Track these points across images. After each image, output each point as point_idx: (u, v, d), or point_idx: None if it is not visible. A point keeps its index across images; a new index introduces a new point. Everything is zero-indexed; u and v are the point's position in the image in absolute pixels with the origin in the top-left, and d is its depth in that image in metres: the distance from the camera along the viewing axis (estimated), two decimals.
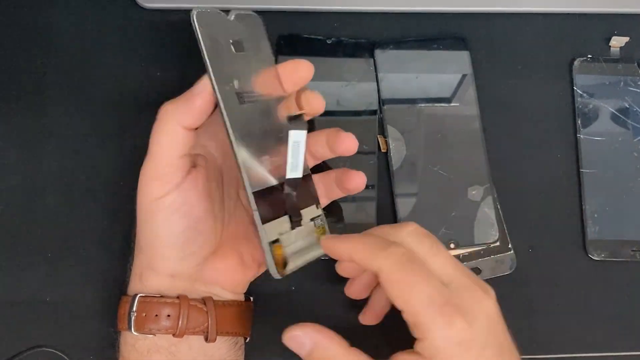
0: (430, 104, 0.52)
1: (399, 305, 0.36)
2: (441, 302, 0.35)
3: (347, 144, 0.42)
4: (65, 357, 0.47)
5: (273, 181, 0.40)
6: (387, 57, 0.52)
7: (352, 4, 0.53)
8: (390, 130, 0.51)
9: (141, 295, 0.41)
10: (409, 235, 0.38)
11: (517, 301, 0.49)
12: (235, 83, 0.39)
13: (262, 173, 0.40)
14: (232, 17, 0.40)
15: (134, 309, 0.40)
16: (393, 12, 0.54)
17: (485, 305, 0.36)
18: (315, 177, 0.44)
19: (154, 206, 0.39)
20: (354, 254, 0.38)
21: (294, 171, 0.41)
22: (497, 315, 0.37)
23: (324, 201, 0.45)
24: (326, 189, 0.44)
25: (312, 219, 0.43)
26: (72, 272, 0.48)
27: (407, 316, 0.36)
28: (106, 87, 0.51)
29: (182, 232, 0.40)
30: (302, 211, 0.42)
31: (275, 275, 0.40)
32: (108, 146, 0.50)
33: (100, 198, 0.50)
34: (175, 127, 0.39)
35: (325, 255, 0.41)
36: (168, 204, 0.39)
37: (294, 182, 0.41)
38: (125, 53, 0.52)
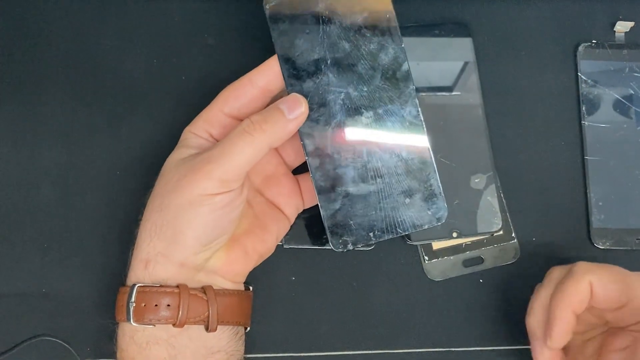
0: (432, 92, 0.51)
1: None
2: None
3: None
4: (67, 346, 0.46)
5: None
6: None
7: None
8: None
9: (140, 285, 0.40)
10: None
11: (520, 291, 0.48)
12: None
13: None
14: None
15: (133, 299, 0.40)
16: None
17: None
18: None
19: (201, 199, 0.39)
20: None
21: None
22: None
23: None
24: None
25: None
26: (68, 263, 0.48)
27: None
28: (102, 76, 0.51)
29: (213, 229, 0.40)
30: None
31: None
32: (104, 137, 0.50)
33: (96, 189, 0.49)
34: (264, 146, 0.40)
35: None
36: (217, 201, 0.40)
37: None
38: (121, 41, 0.51)
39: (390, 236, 0.42)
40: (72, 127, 0.50)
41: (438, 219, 0.43)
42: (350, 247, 0.43)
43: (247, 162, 0.40)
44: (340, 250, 0.43)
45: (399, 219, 0.42)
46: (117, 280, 0.44)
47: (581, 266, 0.42)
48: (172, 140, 0.45)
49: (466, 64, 0.52)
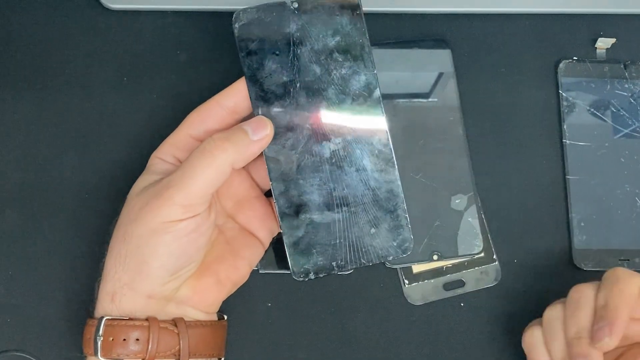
0: (410, 105, 0.50)
1: None
2: None
3: None
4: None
5: None
6: None
7: None
8: None
9: (108, 318, 0.38)
10: None
11: (502, 314, 0.48)
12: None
13: None
14: None
15: (101, 332, 0.38)
16: (373, 12, 0.51)
17: None
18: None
19: (164, 227, 0.38)
20: None
21: None
22: None
23: None
24: None
25: None
26: (33, 291, 0.46)
27: None
28: (70, 94, 0.49)
29: (179, 257, 0.39)
30: None
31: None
32: (71, 157, 0.48)
33: (63, 212, 0.47)
34: (226, 166, 0.39)
35: None
36: (180, 228, 0.38)
37: None
38: (90, 58, 0.49)
39: (354, 267, 0.41)
40: (37, 147, 0.48)
41: (403, 251, 0.42)
42: (312, 276, 0.41)
43: (209, 184, 0.38)
44: (302, 279, 0.41)
45: (363, 249, 0.41)
46: (85, 309, 0.42)
47: (622, 272, 0.40)
48: (142, 161, 0.43)
49: (445, 79, 0.51)
